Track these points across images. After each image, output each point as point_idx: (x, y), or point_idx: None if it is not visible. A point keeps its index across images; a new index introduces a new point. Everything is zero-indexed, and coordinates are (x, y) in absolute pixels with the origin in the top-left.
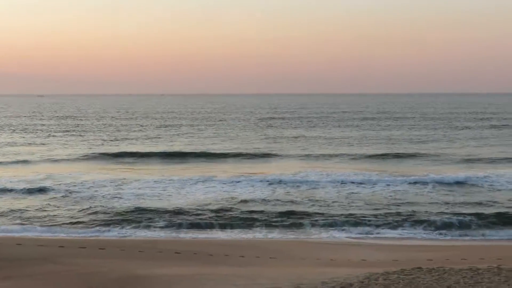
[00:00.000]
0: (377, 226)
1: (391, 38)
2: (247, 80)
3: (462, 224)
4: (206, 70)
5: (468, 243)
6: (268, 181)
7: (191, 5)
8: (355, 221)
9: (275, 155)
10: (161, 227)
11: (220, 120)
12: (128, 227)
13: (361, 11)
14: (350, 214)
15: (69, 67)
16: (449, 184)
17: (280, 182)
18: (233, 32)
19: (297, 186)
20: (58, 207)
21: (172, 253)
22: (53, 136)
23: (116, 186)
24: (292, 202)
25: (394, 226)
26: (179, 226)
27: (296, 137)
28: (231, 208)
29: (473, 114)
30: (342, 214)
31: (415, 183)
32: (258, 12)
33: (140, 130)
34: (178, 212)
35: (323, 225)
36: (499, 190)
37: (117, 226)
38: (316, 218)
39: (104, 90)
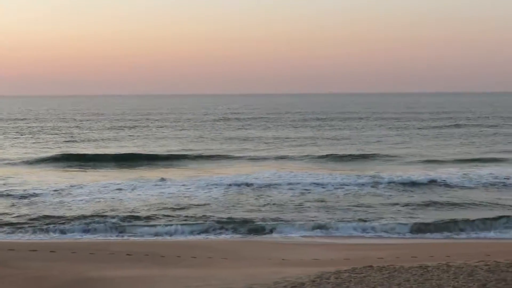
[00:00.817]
0: (329, 225)
1: (334, 38)
2: (197, 80)
3: (412, 223)
4: (152, 70)
5: (418, 241)
6: (222, 182)
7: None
8: (307, 221)
9: (231, 157)
10: (113, 229)
11: (175, 121)
12: (79, 229)
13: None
14: (303, 214)
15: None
16: (402, 184)
17: (234, 182)
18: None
19: (251, 186)
20: (6, 210)
21: (124, 255)
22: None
23: (66, 188)
24: (245, 202)
25: (346, 225)
26: (131, 228)
27: (251, 138)
28: (184, 208)
29: (428, 114)
30: (294, 214)
31: (368, 183)
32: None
33: (91, 132)
34: (130, 213)
35: (275, 225)
36: (451, 189)
37: (69, 229)
38: (268, 218)
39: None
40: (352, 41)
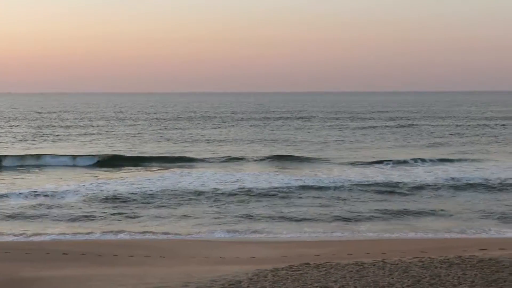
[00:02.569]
0: (267, 223)
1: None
2: (131, 79)
3: (347, 221)
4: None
5: (354, 238)
6: (164, 180)
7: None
8: (246, 219)
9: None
10: (48, 228)
11: (118, 119)
12: (9, 228)
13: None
14: (243, 213)
15: None
16: (337, 183)
17: (179, 182)
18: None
19: (193, 185)
20: None
21: (60, 254)
22: None
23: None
24: (184, 200)
25: (282, 223)
26: (66, 227)
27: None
28: (124, 207)
29: (355, 113)
30: (233, 213)
31: (303, 183)
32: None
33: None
34: (64, 212)
35: (213, 223)
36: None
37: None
38: (207, 217)
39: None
40: (281, 41)
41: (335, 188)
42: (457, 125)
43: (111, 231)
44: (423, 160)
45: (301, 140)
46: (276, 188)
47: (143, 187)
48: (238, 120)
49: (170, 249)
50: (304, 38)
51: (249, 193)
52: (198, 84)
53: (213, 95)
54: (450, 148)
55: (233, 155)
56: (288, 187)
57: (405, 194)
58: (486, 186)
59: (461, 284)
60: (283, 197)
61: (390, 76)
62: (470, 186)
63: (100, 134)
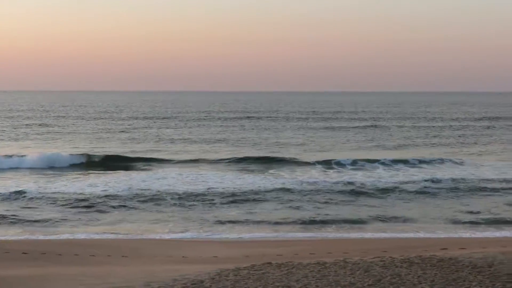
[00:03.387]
0: (230, 223)
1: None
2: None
3: (312, 221)
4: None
5: (316, 238)
6: (129, 181)
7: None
8: (209, 219)
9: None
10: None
11: (83, 118)
12: None
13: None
14: (206, 213)
15: None
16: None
17: (143, 182)
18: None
19: (157, 186)
20: None
21: (20, 253)
22: None
23: None
24: (147, 200)
25: (245, 223)
26: (26, 227)
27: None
28: (84, 206)
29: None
30: (197, 213)
31: (268, 184)
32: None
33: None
34: (26, 213)
35: (176, 223)
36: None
37: None
38: (171, 217)
39: None
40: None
41: (300, 189)
42: (423, 126)
43: (73, 231)
44: (389, 161)
45: (267, 140)
46: (241, 188)
47: (107, 187)
48: (202, 119)
49: (132, 249)
50: (271, 38)
51: (213, 193)
52: (170, 83)
53: (183, 94)
54: (415, 149)
55: (198, 155)
56: (253, 188)
57: (369, 195)
58: (450, 187)
59: (421, 283)
60: (247, 198)
61: (359, 76)
62: (433, 187)
63: (59, 133)
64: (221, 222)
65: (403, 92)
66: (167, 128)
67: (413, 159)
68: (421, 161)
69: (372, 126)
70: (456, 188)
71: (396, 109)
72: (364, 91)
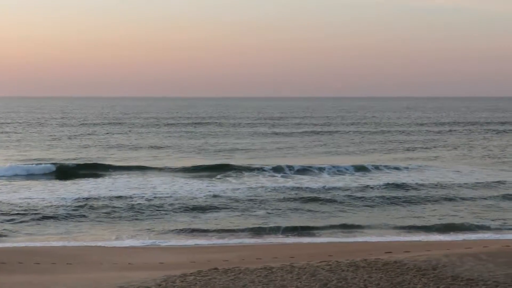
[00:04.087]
0: (177, 229)
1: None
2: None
3: (259, 226)
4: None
5: (262, 243)
6: (78, 188)
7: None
8: (156, 225)
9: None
10: None
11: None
12: None
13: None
14: (153, 219)
15: None
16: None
17: (92, 189)
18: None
19: (104, 193)
20: None
21: None
22: None
23: None
24: (95, 208)
25: (192, 229)
26: None
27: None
28: (30, 214)
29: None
30: (143, 219)
31: (215, 190)
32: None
33: None
34: None
35: (122, 230)
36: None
37: None
38: (117, 224)
39: None
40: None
41: (248, 194)
42: (369, 131)
43: (17, 239)
44: (335, 167)
45: (215, 146)
46: (189, 195)
47: (54, 195)
48: (151, 126)
49: (77, 256)
50: (218, 44)
51: (161, 200)
52: (117, 89)
53: (129, 99)
54: (363, 155)
55: (147, 162)
56: (200, 194)
57: (316, 200)
58: (394, 192)
59: (367, 287)
60: (194, 205)
61: (306, 81)
62: (378, 192)
63: (6, 141)
64: (168, 229)
65: (353, 97)
66: (115, 134)
67: (360, 165)
68: (364, 167)
69: (321, 131)
70: (400, 193)
71: (347, 115)
72: (313, 96)
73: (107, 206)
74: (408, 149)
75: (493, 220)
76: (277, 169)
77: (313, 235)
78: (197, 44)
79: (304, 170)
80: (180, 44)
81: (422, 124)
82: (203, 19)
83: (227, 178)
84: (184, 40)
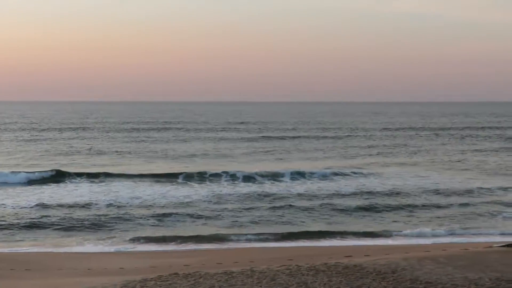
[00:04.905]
0: (137, 234)
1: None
2: None
3: (219, 233)
4: None
5: (223, 247)
6: (39, 194)
7: None
8: (116, 230)
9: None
10: None
11: None
12: None
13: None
14: (113, 224)
15: None
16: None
17: (52, 194)
18: None
19: (66, 199)
20: None
21: None
22: None
23: None
24: (55, 214)
25: (154, 234)
26: None
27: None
28: None
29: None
30: (104, 224)
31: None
32: None
33: None
34: None
35: (82, 235)
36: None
37: None
38: (76, 229)
39: None
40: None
41: (210, 200)
42: (327, 137)
43: None
44: (295, 172)
45: (175, 151)
46: (151, 200)
47: (15, 201)
48: (113, 131)
49: (36, 262)
50: (182, 47)
51: (121, 206)
52: (77, 93)
53: (91, 103)
54: (324, 160)
55: (108, 168)
56: (161, 200)
57: (277, 204)
58: (357, 198)
59: None
60: (155, 210)
61: (270, 86)
62: (341, 197)
63: None
64: (129, 234)
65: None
66: (76, 139)
67: (318, 170)
68: (319, 173)
69: (280, 137)
70: (361, 199)
71: (308, 120)
72: (276, 101)
73: (68, 212)
74: (367, 155)
75: (449, 224)
76: (238, 175)
77: (273, 240)
78: (162, 48)
79: (266, 176)
80: (148, 48)
81: (386, 129)
82: (165, 23)
83: (189, 183)
84: (148, 45)
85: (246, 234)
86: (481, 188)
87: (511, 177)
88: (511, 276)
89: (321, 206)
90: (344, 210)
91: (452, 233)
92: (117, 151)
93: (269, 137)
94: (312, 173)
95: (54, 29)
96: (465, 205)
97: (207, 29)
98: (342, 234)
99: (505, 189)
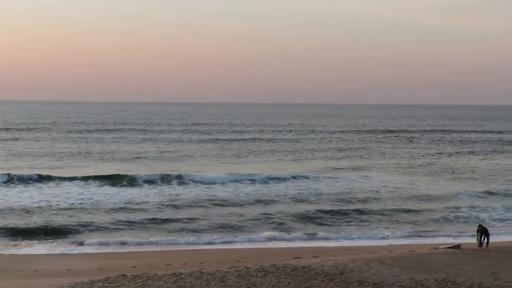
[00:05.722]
0: (87, 235)
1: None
2: None
3: (169, 233)
4: None
5: (172, 249)
6: None
7: None
8: (62, 232)
9: None
10: None
11: None
12: None
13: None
14: (61, 225)
15: None
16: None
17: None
18: None
19: (12, 200)
20: None
21: None
22: None
23: None
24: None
25: (100, 236)
26: None
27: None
28: None
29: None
30: (51, 225)
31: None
32: None
33: None
34: None
35: (29, 237)
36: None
37: None
38: (23, 231)
39: None
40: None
41: (160, 201)
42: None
43: None
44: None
45: (113, 154)
46: (99, 201)
47: None
48: (61, 132)
49: None
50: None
51: (70, 207)
52: (27, 92)
53: (38, 104)
54: (271, 162)
55: (51, 171)
56: (110, 200)
57: (224, 206)
58: (304, 200)
59: None
60: (106, 211)
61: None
62: (289, 199)
63: None
64: (78, 236)
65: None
66: (22, 140)
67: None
68: (272, 176)
69: (229, 139)
70: (307, 202)
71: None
72: (224, 102)
73: (16, 215)
74: (320, 158)
75: (397, 226)
76: (180, 177)
77: (222, 242)
78: (119, 47)
79: (210, 178)
80: (88, 49)
81: (333, 132)
82: (128, 23)
83: (138, 184)
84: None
85: (195, 236)
86: (429, 190)
87: (458, 179)
88: (456, 277)
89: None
90: (293, 214)
91: (399, 235)
92: (63, 152)
93: (218, 140)
94: (256, 176)
95: None
96: (412, 207)
97: (144, 30)
98: (291, 236)
99: (451, 191)
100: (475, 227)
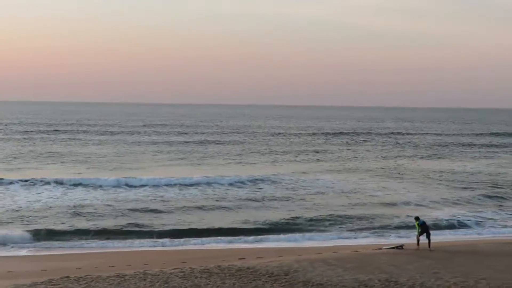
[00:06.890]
0: (29, 236)
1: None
2: None
3: (111, 234)
4: None
5: (116, 250)
6: None
7: None
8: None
9: None
10: None
11: None
12: None
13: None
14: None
15: None
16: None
17: None
18: None
19: None
20: None
21: None
22: None
23: None
24: None
25: (42, 238)
26: None
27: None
28: None
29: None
30: None
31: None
32: None
33: None
34: None
35: None
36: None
37: None
38: None
39: None
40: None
41: (102, 203)
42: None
43: None
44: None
45: (83, 153)
46: (43, 203)
47: None
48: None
49: None
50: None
51: (14, 208)
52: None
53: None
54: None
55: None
56: (55, 202)
57: (162, 208)
58: (249, 202)
59: None
60: (49, 212)
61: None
62: (234, 201)
63: None
64: (19, 237)
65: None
66: None
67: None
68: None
69: (182, 142)
70: (253, 203)
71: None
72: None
73: None
74: (268, 161)
75: (339, 226)
76: (128, 180)
77: (166, 243)
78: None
79: (156, 180)
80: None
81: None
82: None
83: (83, 187)
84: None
85: (138, 237)
86: (377, 191)
87: (405, 179)
88: (399, 277)
89: (218, 207)
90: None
91: (342, 236)
92: (11, 154)
93: (172, 142)
94: (203, 179)
95: None
96: (358, 207)
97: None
98: (234, 236)
99: (396, 191)
100: (418, 227)
